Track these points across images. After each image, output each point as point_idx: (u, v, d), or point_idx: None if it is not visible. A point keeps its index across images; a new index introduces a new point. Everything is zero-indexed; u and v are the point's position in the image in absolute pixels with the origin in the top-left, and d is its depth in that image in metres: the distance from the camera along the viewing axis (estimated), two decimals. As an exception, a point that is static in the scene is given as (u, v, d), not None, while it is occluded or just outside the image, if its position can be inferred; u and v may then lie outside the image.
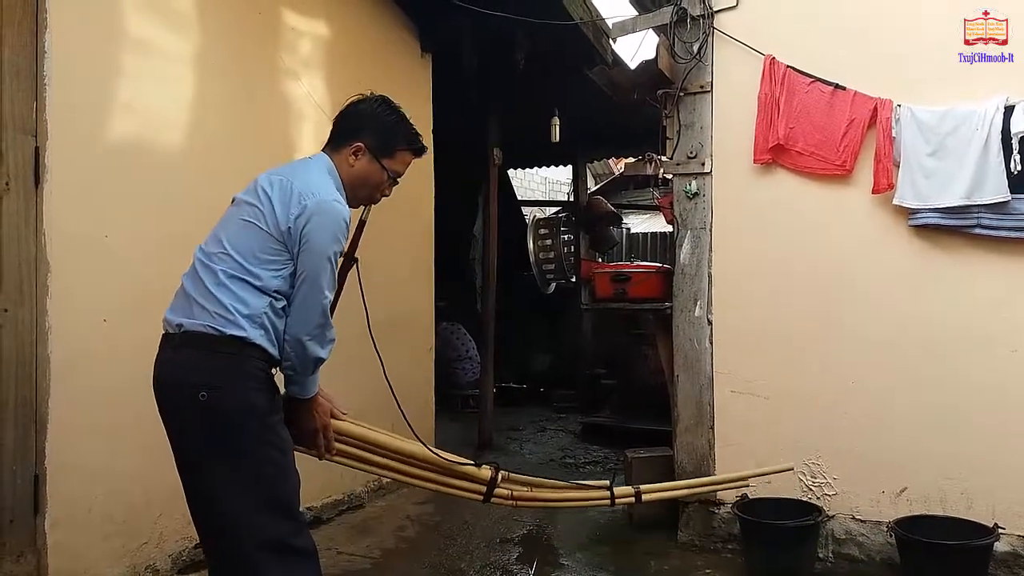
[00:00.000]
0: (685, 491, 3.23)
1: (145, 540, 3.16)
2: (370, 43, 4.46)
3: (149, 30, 3.23)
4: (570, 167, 8.76)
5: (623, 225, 9.19)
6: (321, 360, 2.16)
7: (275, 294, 2.11)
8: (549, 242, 8.54)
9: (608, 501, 2.79)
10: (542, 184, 12.35)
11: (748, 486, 3.36)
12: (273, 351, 2.11)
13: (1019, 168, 3.03)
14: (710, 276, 3.66)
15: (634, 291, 4.81)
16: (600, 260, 8.20)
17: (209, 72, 3.47)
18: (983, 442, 3.16)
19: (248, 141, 3.66)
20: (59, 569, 2.84)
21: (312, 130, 4.05)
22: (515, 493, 2.64)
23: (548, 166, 9.32)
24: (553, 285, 8.59)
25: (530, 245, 8.39)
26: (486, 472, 2.59)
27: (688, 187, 3.69)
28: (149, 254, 3.18)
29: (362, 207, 2.40)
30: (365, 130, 2.29)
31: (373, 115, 2.32)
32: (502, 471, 2.62)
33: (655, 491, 2.94)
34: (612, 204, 8.45)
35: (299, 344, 2.11)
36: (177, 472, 2.20)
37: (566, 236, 8.51)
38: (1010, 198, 3.04)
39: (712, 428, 3.65)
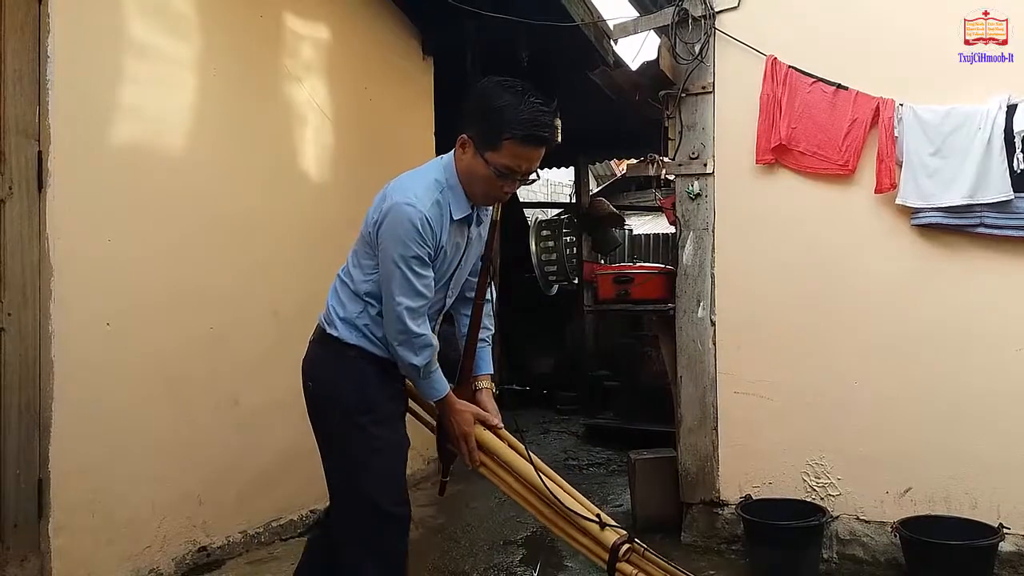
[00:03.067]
0: None
1: (148, 544, 3.17)
2: (372, 47, 4.46)
3: (151, 35, 3.23)
4: (572, 169, 8.75)
5: (625, 226, 9.18)
6: (414, 367, 2.09)
7: (367, 298, 2.16)
8: (551, 244, 8.53)
9: None
10: (544, 186, 12.35)
11: None
12: (377, 351, 2.17)
13: (1022, 167, 3.02)
14: (713, 277, 3.66)
15: (637, 292, 4.80)
16: (602, 262, 8.19)
17: (211, 76, 3.48)
18: (988, 442, 3.15)
19: (250, 145, 3.67)
20: (63, 573, 2.85)
21: (314, 134, 4.06)
22: None
23: (550, 168, 9.30)
24: (555, 287, 8.59)
25: (532, 247, 8.39)
26: (609, 536, 2.12)
27: (690, 188, 3.69)
28: (152, 259, 3.19)
29: (493, 206, 2.22)
30: (472, 118, 2.07)
31: (481, 99, 2.06)
32: (632, 544, 2.12)
33: None
34: (614, 205, 8.44)
35: (393, 349, 2.11)
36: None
37: (568, 238, 8.50)
38: (1013, 197, 3.04)
39: (716, 429, 3.64)
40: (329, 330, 2.20)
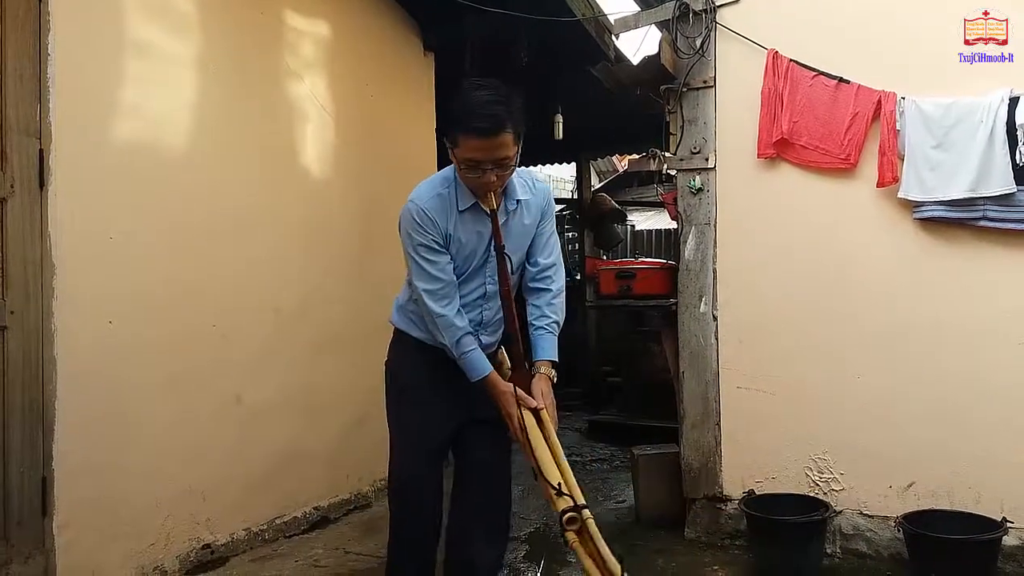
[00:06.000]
0: None
1: (153, 541, 3.17)
2: (372, 42, 4.46)
3: (152, 32, 3.23)
4: (573, 164, 8.74)
5: (627, 222, 9.18)
6: (446, 346, 2.31)
7: (411, 285, 2.41)
8: (553, 240, 8.50)
9: None
10: (545, 182, 12.34)
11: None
12: (421, 335, 2.42)
13: (1024, 160, 3.02)
14: (715, 272, 3.65)
15: (639, 288, 4.81)
16: (605, 257, 8.20)
17: (212, 73, 3.47)
18: (991, 436, 3.15)
19: (251, 142, 3.67)
20: (67, 570, 2.86)
21: (315, 130, 4.06)
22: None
23: (551, 164, 9.30)
24: (558, 283, 8.56)
25: (534, 243, 8.36)
26: (560, 504, 2.13)
27: (692, 183, 3.68)
28: (154, 256, 3.20)
29: (492, 198, 2.31)
30: (446, 124, 2.34)
31: (446, 106, 2.36)
32: (577, 513, 2.10)
33: None
34: (616, 201, 8.44)
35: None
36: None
37: (570, 234, 8.51)
38: (1015, 190, 3.03)
39: (718, 424, 3.64)
40: (391, 318, 2.54)
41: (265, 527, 3.70)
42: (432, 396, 2.40)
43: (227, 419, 3.51)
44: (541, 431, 2.28)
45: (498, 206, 2.30)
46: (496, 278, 2.36)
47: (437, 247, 2.27)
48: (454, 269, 2.33)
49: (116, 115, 3.10)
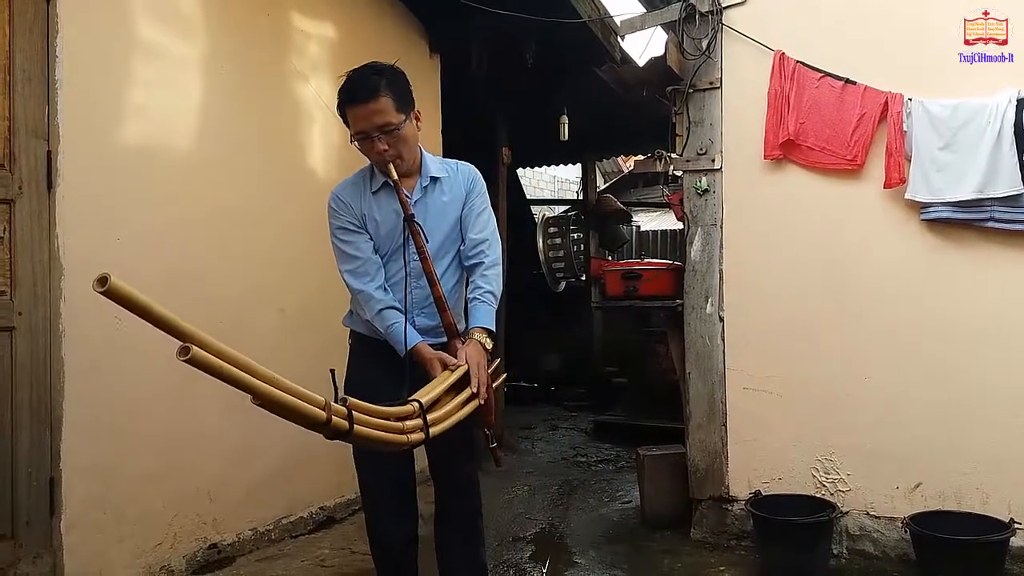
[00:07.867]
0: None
1: (160, 541, 3.18)
2: (378, 44, 4.46)
3: (158, 34, 3.24)
4: (579, 165, 8.74)
5: (633, 223, 9.17)
6: (372, 320, 2.42)
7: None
8: (559, 241, 8.53)
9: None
10: (551, 183, 12.33)
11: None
12: (364, 331, 2.53)
13: (1032, 161, 3.01)
14: (721, 273, 3.65)
15: (645, 289, 4.80)
16: (610, 258, 8.19)
17: (217, 74, 3.48)
18: (999, 437, 3.14)
19: (257, 142, 3.68)
20: (75, 570, 2.86)
21: (320, 131, 4.06)
22: None
23: (557, 165, 9.30)
24: (563, 284, 8.58)
25: (540, 244, 8.39)
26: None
27: (698, 183, 3.68)
28: (161, 257, 3.20)
29: (392, 168, 2.38)
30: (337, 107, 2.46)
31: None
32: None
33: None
34: (622, 202, 8.44)
35: None
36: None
37: (576, 234, 8.50)
38: (1023, 191, 3.03)
39: (724, 425, 3.64)
40: (343, 320, 2.62)
41: (271, 527, 3.71)
42: (373, 382, 2.42)
43: (234, 419, 3.50)
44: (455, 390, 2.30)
45: (414, 185, 2.43)
46: (419, 256, 2.39)
47: (353, 228, 2.41)
48: (377, 250, 2.44)
49: (123, 116, 3.11)
